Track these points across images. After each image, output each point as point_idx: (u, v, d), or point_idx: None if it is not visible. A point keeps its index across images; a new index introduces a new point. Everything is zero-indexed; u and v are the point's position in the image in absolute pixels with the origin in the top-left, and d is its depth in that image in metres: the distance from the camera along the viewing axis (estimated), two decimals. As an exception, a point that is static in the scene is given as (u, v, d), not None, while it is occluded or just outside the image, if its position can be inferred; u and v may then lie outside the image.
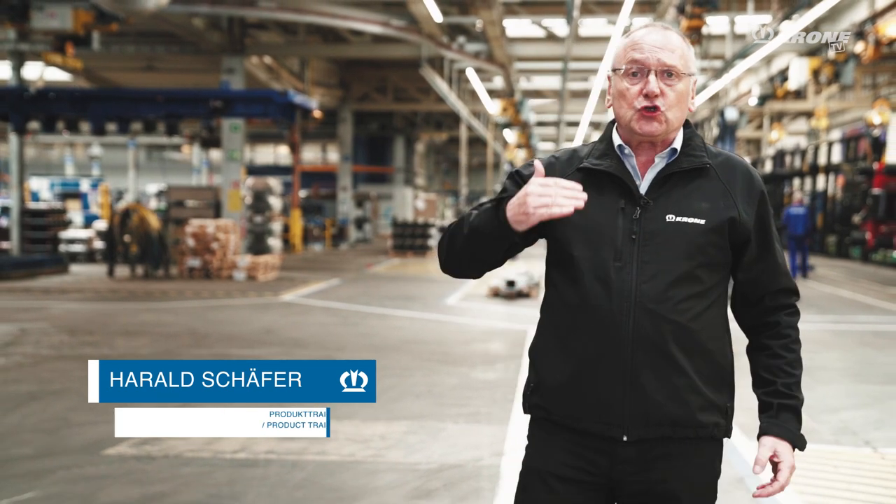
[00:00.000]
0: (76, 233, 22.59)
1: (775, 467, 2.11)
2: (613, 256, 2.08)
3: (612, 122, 2.21)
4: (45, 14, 15.21)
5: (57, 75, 25.84)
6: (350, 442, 5.65)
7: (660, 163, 2.13)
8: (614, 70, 2.14)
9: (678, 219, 2.08)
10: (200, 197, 21.69)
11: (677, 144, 2.14)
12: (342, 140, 32.57)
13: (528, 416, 2.24)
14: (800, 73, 20.81)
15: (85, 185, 31.37)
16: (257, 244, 22.83)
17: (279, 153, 49.61)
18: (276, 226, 23.66)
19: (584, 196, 1.98)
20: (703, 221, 2.07)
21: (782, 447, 2.11)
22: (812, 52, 21.07)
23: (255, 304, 13.42)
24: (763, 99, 24.90)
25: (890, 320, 12.08)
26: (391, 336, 10.13)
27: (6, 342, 9.40)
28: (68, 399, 6.77)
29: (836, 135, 30.98)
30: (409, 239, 26.07)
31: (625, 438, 2.07)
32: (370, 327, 10.91)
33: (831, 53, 19.23)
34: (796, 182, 30.12)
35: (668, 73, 2.07)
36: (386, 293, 15.11)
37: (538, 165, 2.03)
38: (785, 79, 22.82)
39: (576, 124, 41.16)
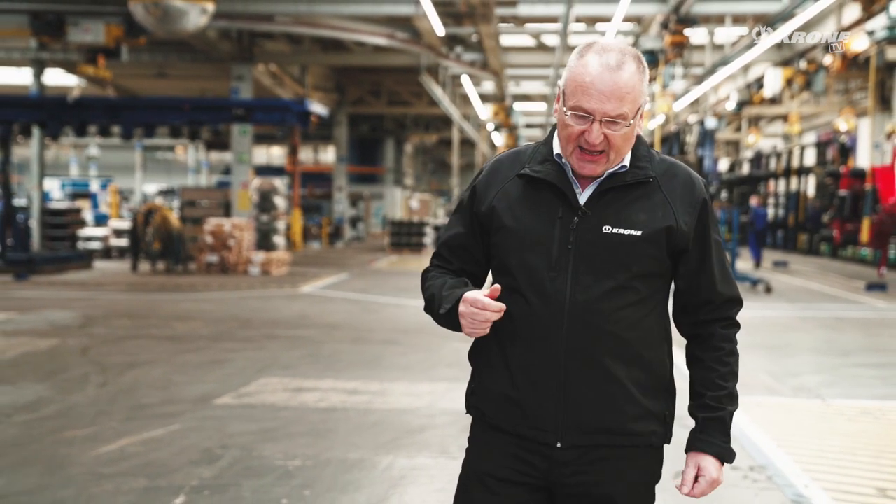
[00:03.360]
0: (93, 231, 23.84)
1: (697, 480, 2.15)
2: (548, 266, 2.07)
3: (555, 125, 2.16)
4: (80, 29, 16.51)
5: (72, 81, 27.03)
6: (405, 396, 7.03)
7: (605, 174, 2.10)
8: (564, 91, 2.07)
9: (614, 230, 2.06)
10: (211, 197, 22.96)
11: (626, 161, 2.11)
12: (338, 142, 33.84)
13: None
14: (774, 81, 22.30)
15: (95, 186, 32.58)
16: (264, 241, 24.05)
17: (272, 154, 50.83)
18: (281, 224, 24.93)
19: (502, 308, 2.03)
20: (639, 233, 2.06)
21: (706, 462, 2.13)
22: (786, 62, 22.57)
23: (279, 295, 14.73)
24: (740, 105, 26.42)
25: (850, 308, 13.54)
26: (412, 320, 11.46)
27: (80, 325, 10.72)
28: (161, 367, 8.12)
29: (811, 137, 32.56)
30: (405, 237, 27.48)
31: (558, 445, 2.09)
32: (390, 314, 12.27)
33: (802, 65, 20.74)
34: (771, 183, 31.75)
35: (613, 121, 2.01)
36: (394, 286, 16.43)
37: (495, 291, 2.03)
38: (761, 86, 24.32)
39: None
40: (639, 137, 2.13)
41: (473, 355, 2.25)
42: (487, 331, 2.05)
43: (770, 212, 31.71)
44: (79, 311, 12.04)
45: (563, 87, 2.07)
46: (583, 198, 2.09)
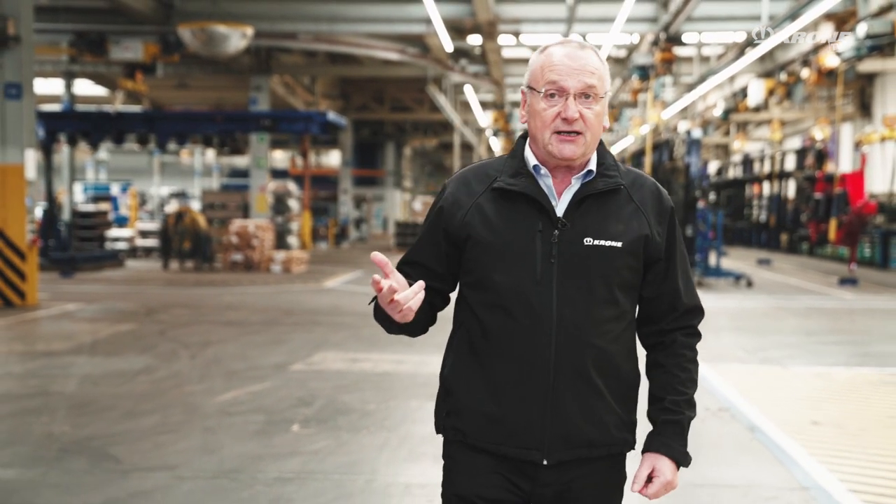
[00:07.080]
0: (120, 232, 25.37)
1: (650, 480, 2.14)
2: (533, 280, 2.04)
3: (523, 136, 2.17)
4: (121, 47, 18.09)
5: (93, 90, 28.56)
6: (442, 365, 8.59)
7: (576, 184, 2.09)
8: (530, 87, 2.09)
9: (596, 242, 2.05)
10: (231, 200, 24.52)
11: (593, 165, 2.11)
12: (343, 146, 35.45)
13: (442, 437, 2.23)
14: (757, 92, 23.93)
15: (115, 189, 34.15)
16: (278, 242, 25.57)
17: (275, 158, 52.23)
18: (295, 225, 26.45)
19: (420, 298, 2.00)
20: (619, 244, 2.06)
21: (662, 464, 2.13)
22: (768, 73, 24.19)
23: (306, 290, 16.25)
24: (727, 112, 28.07)
25: (822, 299, 15.11)
26: (432, 310, 12.99)
27: (145, 313, 12.27)
28: (232, 345, 9.68)
29: (797, 141, 34.28)
30: (409, 237, 29.08)
31: (545, 462, 2.07)
32: (412, 304, 13.78)
33: (783, 77, 22.36)
34: (756, 186, 33.51)
35: (586, 95, 2.04)
36: (409, 281, 17.92)
37: (378, 258, 2.01)
38: (745, 95, 25.95)
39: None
40: (605, 147, 2.17)
41: (449, 374, 2.19)
42: (408, 315, 2.02)
43: (755, 213, 33.48)
44: (136, 302, 13.58)
45: (527, 83, 2.11)
46: (560, 209, 2.09)
